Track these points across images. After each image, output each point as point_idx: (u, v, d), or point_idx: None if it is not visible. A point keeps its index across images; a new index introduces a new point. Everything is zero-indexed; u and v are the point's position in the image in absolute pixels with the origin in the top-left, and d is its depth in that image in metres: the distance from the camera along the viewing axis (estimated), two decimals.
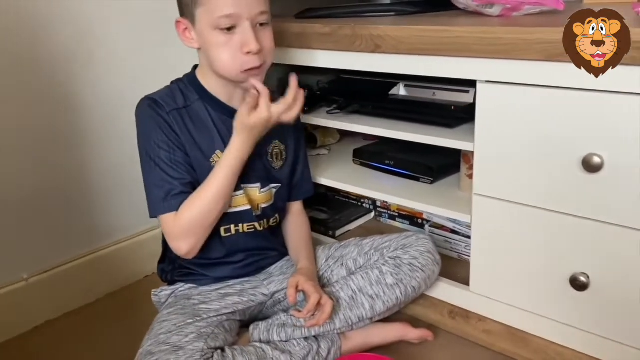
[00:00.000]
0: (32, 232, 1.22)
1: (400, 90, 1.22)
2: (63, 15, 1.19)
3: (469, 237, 1.21)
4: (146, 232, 1.42)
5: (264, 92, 0.91)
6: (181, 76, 1.03)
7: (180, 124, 0.95)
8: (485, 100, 0.94)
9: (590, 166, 0.84)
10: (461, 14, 1.08)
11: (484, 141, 0.97)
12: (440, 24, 0.97)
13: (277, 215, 1.10)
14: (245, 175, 1.00)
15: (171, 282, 1.06)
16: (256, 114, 0.90)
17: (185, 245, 0.94)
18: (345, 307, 1.02)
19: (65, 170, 1.25)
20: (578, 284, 0.91)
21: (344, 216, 1.46)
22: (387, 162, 1.29)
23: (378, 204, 1.49)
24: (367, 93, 1.25)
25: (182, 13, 0.94)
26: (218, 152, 0.97)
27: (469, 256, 1.08)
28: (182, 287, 1.04)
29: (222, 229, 1.01)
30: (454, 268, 1.18)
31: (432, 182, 1.21)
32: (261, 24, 0.92)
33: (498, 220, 0.99)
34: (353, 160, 1.37)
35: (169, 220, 0.94)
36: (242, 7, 0.88)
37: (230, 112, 0.97)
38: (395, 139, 1.12)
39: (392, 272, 1.04)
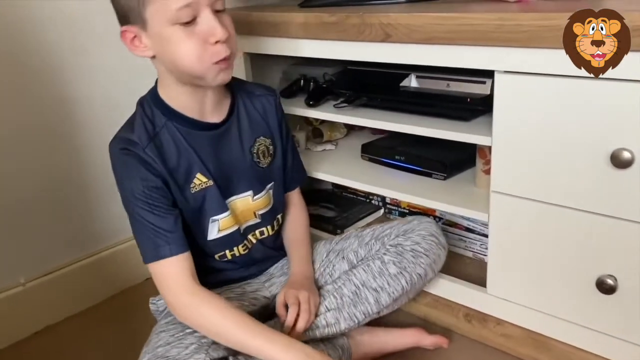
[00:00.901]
0: (30, 236, 1.19)
1: (412, 82, 1.16)
2: (58, 14, 1.14)
3: (484, 235, 1.16)
4: None
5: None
6: (144, 94, 0.94)
7: (157, 157, 0.86)
8: (503, 92, 0.88)
9: (619, 161, 0.79)
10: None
11: (502, 135, 0.91)
12: (455, 10, 0.91)
13: (278, 217, 1.05)
14: (233, 187, 0.95)
15: None
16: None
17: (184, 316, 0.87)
18: (350, 304, 0.97)
19: (63, 173, 1.22)
20: (605, 287, 0.86)
21: (351, 214, 1.41)
22: (397, 157, 1.23)
23: (387, 200, 1.44)
24: (376, 85, 1.19)
25: (127, 21, 0.83)
26: (199, 175, 0.91)
27: (485, 255, 1.03)
28: None
29: (216, 256, 0.97)
30: (469, 268, 1.13)
31: (445, 178, 1.15)
32: (217, 10, 0.83)
33: (518, 219, 0.94)
34: (361, 155, 1.32)
35: (159, 274, 0.87)
36: None
37: (204, 126, 0.91)
38: (406, 133, 1.07)
39: (394, 260, 0.99)
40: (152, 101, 0.91)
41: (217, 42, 0.82)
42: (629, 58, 0.74)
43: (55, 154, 1.19)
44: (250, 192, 0.98)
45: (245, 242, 1.00)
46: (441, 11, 0.91)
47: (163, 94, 0.90)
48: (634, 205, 0.80)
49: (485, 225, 1.00)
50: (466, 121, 1.03)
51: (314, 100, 1.24)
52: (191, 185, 0.91)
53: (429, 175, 1.17)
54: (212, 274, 0.98)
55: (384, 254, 1.00)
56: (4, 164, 1.12)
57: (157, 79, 0.92)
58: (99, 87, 1.23)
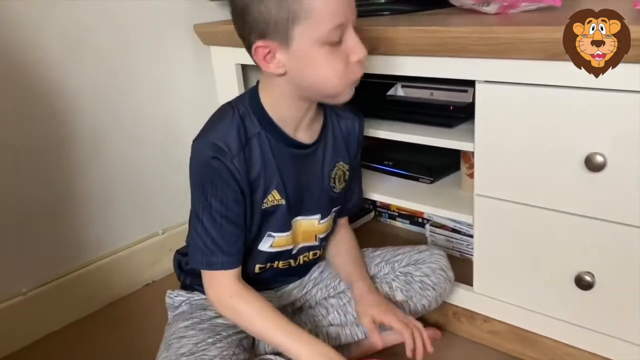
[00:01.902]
0: (30, 245, 1.21)
1: (398, 91, 1.20)
2: (54, 24, 1.17)
3: (470, 235, 1.20)
4: (142, 241, 1.41)
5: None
6: (236, 97, 0.93)
7: (242, 169, 0.85)
8: (484, 100, 0.93)
9: (592, 165, 0.83)
10: (457, 11, 1.07)
11: (484, 141, 0.95)
12: (436, 23, 0.96)
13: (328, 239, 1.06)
14: (303, 208, 0.95)
15: (187, 287, 1.03)
16: None
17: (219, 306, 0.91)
18: (352, 324, 1.00)
19: (59, 182, 1.24)
20: (583, 284, 0.91)
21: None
22: (386, 162, 1.28)
23: (378, 204, 1.49)
24: (364, 94, 1.23)
25: (264, 36, 0.78)
26: (275, 192, 0.90)
27: (471, 255, 1.07)
28: (197, 297, 1.00)
29: (257, 267, 0.98)
30: (457, 268, 1.17)
31: (431, 182, 1.20)
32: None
33: (500, 220, 0.98)
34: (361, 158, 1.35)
35: (208, 279, 0.90)
36: (349, 10, 0.78)
37: (294, 144, 0.90)
38: (393, 139, 1.11)
39: (402, 288, 1.02)
40: (250, 106, 0.88)
41: (358, 60, 0.81)
42: None
43: (52, 164, 1.22)
44: (318, 216, 0.98)
45: (290, 260, 1.00)
46: (423, 24, 0.95)
47: (266, 101, 0.88)
48: (607, 205, 0.85)
49: (471, 226, 1.05)
50: (450, 128, 1.07)
51: None
52: (264, 200, 0.90)
53: (416, 179, 1.22)
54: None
55: (393, 280, 1.03)
56: (3, 176, 1.14)
57: (256, 84, 0.91)
58: (92, 97, 1.25)
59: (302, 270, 1.06)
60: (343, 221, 1.11)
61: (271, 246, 0.95)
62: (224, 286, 0.89)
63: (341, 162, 1.00)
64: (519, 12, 0.99)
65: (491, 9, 1.00)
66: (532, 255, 0.97)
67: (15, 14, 1.10)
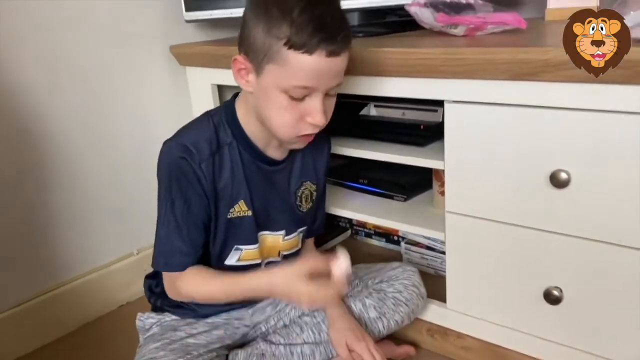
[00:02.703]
0: (4, 266, 1.20)
1: (371, 111, 1.23)
2: (30, 48, 1.17)
3: (444, 253, 1.21)
4: (116, 262, 1.40)
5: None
6: (215, 108, 0.97)
7: (209, 175, 0.87)
8: (453, 120, 0.95)
9: (557, 182, 0.86)
10: (427, 34, 1.10)
11: (453, 159, 0.98)
12: (406, 45, 0.98)
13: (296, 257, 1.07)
14: (268, 223, 0.97)
15: (158, 309, 1.03)
16: (318, 296, 0.82)
17: (179, 299, 0.96)
18: (327, 342, 1.01)
19: (34, 203, 1.23)
20: (552, 298, 0.92)
21: (320, 236, 1.45)
22: (360, 180, 1.29)
23: (354, 222, 1.50)
24: (338, 114, 1.25)
25: (247, 52, 0.82)
26: (241, 202, 0.92)
27: (445, 272, 1.08)
28: (168, 318, 1.01)
29: None
30: (431, 285, 1.18)
31: (405, 200, 1.21)
32: (329, 94, 0.85)
33: (471, 237, 1.00)
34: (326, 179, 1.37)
35: (168, 279, 0.93)
36: (321, 82, 0.80)
37: (265, 159, 0.93)
38: (367, 158, 1.13)
39: (375, 305, 1.04)
40: (225, 117, 0.91)
41: (311, 123, 0.84)
42: (564, 88, 0.81)
43: (23, 185, 1.21)
44: (283, 232, 1.00)
45: None
46: (394, 46, 0.98)
47: (241, 113, 0.91)
48: (572, 221, 0.87)
49: (444, 243, 1.07)
50: (421, 146, 1.09)
51: None
52: (230, 210, 0.92)
53: (390, 197, 1.24)
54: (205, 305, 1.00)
55: (366, 297, 1.05)
56: None
57: (235, 95, 0.94)
58: (66, 117, 1.25)
59: None
60: (310, 243, 1.13)
61: (239, 260, 0.97)
62: (180, 283, 0.91)
63: (308, 182, 1.03)
64: (485, 35, 1.02)
65: (459, 31, 1.03)
66: (502, 271, 0.98)
67: None
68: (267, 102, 0.83)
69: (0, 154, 1.16)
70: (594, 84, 0.78)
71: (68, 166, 1.27)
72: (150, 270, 1.01)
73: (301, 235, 1.05)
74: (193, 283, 0.91)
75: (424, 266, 1.29)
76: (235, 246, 0.95)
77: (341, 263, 0.84)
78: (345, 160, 1.43)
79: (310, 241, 1.14)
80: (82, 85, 1.27)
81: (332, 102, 0.87)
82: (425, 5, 1.04)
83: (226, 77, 1.25)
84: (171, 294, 0.95)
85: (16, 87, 1.16)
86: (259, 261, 0.99)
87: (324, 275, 0.84)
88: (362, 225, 1.48)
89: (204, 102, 1.34)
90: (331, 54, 0.78)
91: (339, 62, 0.81)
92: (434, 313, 1.12)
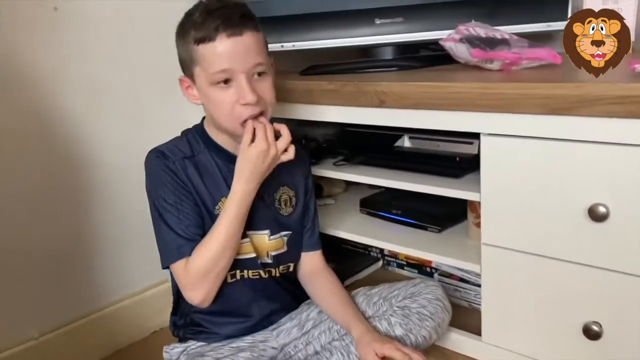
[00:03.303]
0: (42, 291, 1.22)
1: (405, 142, 1.24)
2: (70, 68, 1.22)
3: (478, 285, 1.21)
4: (153, 287, 1.42)
5: (260, 125, 0.92)
6: (190, 127, 1.05)
7: (186, 173, 0.97)
8: (489, 152, 0.96)
9: (596, 215, 0.86)
10: (462, 68, 1.12)
11: (490, 191, 0.98)
12: (442, 79, 1.00)
13: (290, 264, 1.09)
14: (252, 222, 1.01)
15: (183, 339, 1.06)
16: (256, 144, 0.91)
17: (198, 295, 0.96)
18: None
19: (71, 228, 1.26)
20: (591, 333, 0.91)
21: (351, 266, 1.47)
22: (394, 211, 1.30)
23: (386, 252, 1.50)
24: (373, 145, 1.28)
25: (183, 71, 0.97)
26: (223, 199, 0.98)
27: (480, 305, 1.08)
28: (193, 345, 1.03)
29: (227, 275, 1.01)
30: (465, 317, 1.18)
31: (439, 231, 1.22)
32: (259, 74, 0.93)
33: (507, 269, 1.00)
34: (360, 209, 1.38)
35: (180, 270, 0.95)
36: (236, 62, 0.90)
37: (235, 160, 0.98)
38: (401, 188, 1.14)
39: (400, 322, 1.04)
40: (196, 132, 1.03)
41: (245, 104, 0.91)
42: (600, 122, 0.82)
43: (62, 210, 1.24)
44: (267, 232, 1.04)
45: (260, 271, 1.03)
46: (430, 80, 1.00)
47: (208, 127, 1.02)
48: (611, 255, 0.87)
49: (479, 275, 1.06)
50: (456, 178, 1.10)
51: (315, 159, 1.31)
52: (216, 207, 0.98)
53: (424, 228, 1.24)
54: (223, 325, 1.03)
55: (391, 315, 1.05)
56: (15, 220, 1.16)
57: (203, 117, 1.04)
58: (108, 140, 1.29)
59: (277, 293, 1.08)
60: (320, 266, 1.13)
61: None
62: (187, 266, 0.95)
63: (286, 187, 1.09)
64: (521, 69, 1.04)
65: (495, 65, 1.05)
66: (539, 305, 0.97)
67: (38, 66, 1.16)
68: (209, 102, 0.94)
69: (42, 180, 1.20)
70: (631, 118, 0.79)
71: (104, 191, 1.31)
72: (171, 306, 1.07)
73: (286, 239, 1.07)
74: (193, 258, 0.94)
75: (458, 298, 1.28)
76: None
77: None
78: (378, 190, 1.45)
79: (319, 259, 1.14)
80: (118, 111, 1.31)
81: (265, 84, 0.94)
82: (461, 40, 1.06)
83: None
84: (186, 288, 0.96)
85: (61, 113, 1.22)
86: (254, 255, 1.02)
87: None
88: (394, 255, 1.48)
89: None
90: (232, 34, 0.89)
91: (245, 40, 0.90)
92: (468, 346, 1.11)
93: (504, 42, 1.04)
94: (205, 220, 0.98)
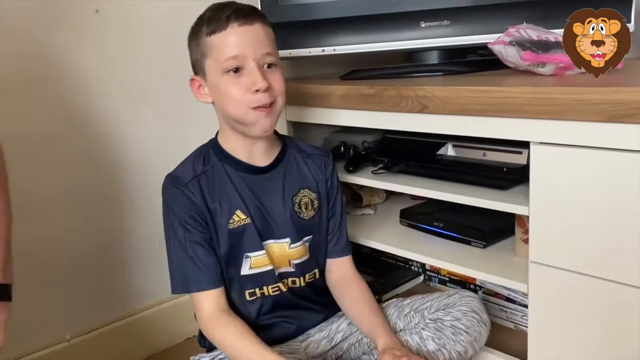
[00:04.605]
0: (76, 293, 1.24)
1: (449, 151, 1.18)
2: (111, 74, 1.23)
3: (526, 306, 1.13)
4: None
5: None
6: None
7: (198, 193, 0.96)
8: (539, 162, 0.89)
9: None
10: (511, 72, 1.05)
11: (539, 205, 0.91)
12: (489, 83, 0.94)
13: (315, 270, 1.06)
14: (270, 231, 0.99)
15: (209, 349, 1.03)
16: None
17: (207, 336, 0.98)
18: None
19: (107, 232, 1.27)
20: None
21: (390, 279, 1.41)
22: (435, 223, 1.24)
23: (427, 267, 1.43)
24: (414, 153, 1.22)
25: (195, 71, 0.98)
26: (238, 212, 0.97)
27: (526, 326, 1.00)
28: (220, 354, 1.00)
29: (247, 293, 1.00)
30: (511, 339, 1.10)
31: (484, 247, 1.14)
32: (269, 66, 0.94)
33: (557, 290, 0.92)
34: (400, 220, 1.33)
35: (196, 304, 0.97)
36: (246, 48, 0.91)
37: (250, 169, 0.99)
38: (444, 200, 1.08)
39: (433, 336, 0.98)
40: (209, 145, 1.02)
41: (257, 90, 0.91)
42: None
43: (99, 214, 1.25)
44: (287, 240, 1.01)
45: (279, 284, 1.01)
46: (476, 84, 0.94)
47: (220, 138, 1.01)
48: None
49: (526, 295, 0.99)
50: (503, 190, 1.03)
51: (353, 166, 1.27)
52: (230, 221, 0.97)
53: (468, 242, 1.17)
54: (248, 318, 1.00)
55: (423, 329, 1.00)
56: (51, 224, 1.18)
57: (218, 131, 1.03)
58: (144, 147, 1.30)
59: (304, 306, 1.05)
60: (349, 273, 1.08)
61: (251, 267, 0.99)
62: (206, 309, 0.95)
63: (307, 190, 1.04)
64: (576, 74, 0.96)
65: (547, 70, 0.98)
66: (592, 330, 0.89)
67: (82, 68, 1.17)
68: (219, 93, 0.94)
69: (81, 181, 1.22)
70: None
71: (143, 195, 1.31)
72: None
73: (308, 244, 1.03)
74: (215, 331, 0.95)
75: (503, 319, 1.20)
76: (245, 254, 0.98)
77: None
78: (420, 200, 1.39)
79: (348, 265, 1.09)
80: (159, 116, 1.31)
81: (276, 74, 0.95)
82: (511, 43, 1.00)
83: (302, 114, 1.26)
84: (202, 323, 0.97)
85: (103, 115, 1.22)
86: (270, 267, 1.00)
87: None
88: (436, 271, 1.41)
89: None
90: (243, 23, 0.90)
91: (256, 29, 0.92)
92: None
93: (557, 45, 0.97)
94: (219, 237, 0.97)
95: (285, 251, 1.01)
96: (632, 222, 0.80)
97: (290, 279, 1.03)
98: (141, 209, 1.31)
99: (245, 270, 0.99)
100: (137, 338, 1.33)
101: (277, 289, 1.01)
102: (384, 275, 1.42)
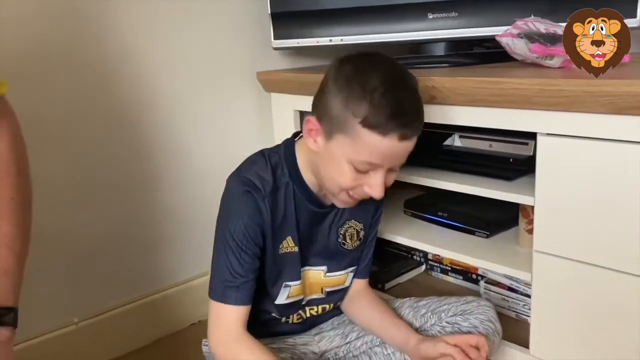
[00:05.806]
0: (85, 277, 1.24)
1: (455, 141, 1.19)
2: (130, 61, 1.24)
3: (527, 295, 1.15)
4: (197, 277, 1.43)
5: None
6: (273, 146, 0.98)
7: (269, 208, 0.89)
8: (546, 153, 0.91)
9: None
10: (519, 65, 1.06)
11: (545, 195, 0.92)
12: (498, 75, 0.95)
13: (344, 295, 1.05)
14: (309, 257, 0.97)
15: None
16: None
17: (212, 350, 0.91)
18: None
19: (117, 217, 1.28)
20: None
21: (393, 268, 1.42)
22: (440, 213, 1.25)
23: (429, 256, 1.45)
24: (420, 143, 1.22)
25: (320, 117, 0.85)
26: (289, 238, 0.93)
27: (528, 316, 1.02)
28: None
29: (271, 316, 0.99)
30: (513, 329, 1.12)
31: (488, 236, 1.16)
32: (390, 169, 0.87)
33: (561, 279, 0.93)
34: (404, 210, 1.34)
35: (213, 312, 0.90)
36: (389, 160, 0.84)
37: (315, 203, 0.94)
38: (449, 190, 1.09)
39: None
40: (284, 157, 0.93)
41: (366, 192, 0.86)
42: None
43: (108, 199, 1.26)
44: (324, 268, 1.00)
45: (301, 312, 1.01)
46: (484, 75, 0.95)
47: (300, 157, 0.93)
48: None
49: (529, 285, 1.00)
50: (509, 180, 1.05)
51: None
52: (280, 246, 0.93)
53: (471, 232, 1.19)
54: (265, 326, 1.00)
55: (439, 331, 1.01)
56: (59, 209, 1.18)
57: (295, 134, 0.96)
58: (162, 133, 1.32)
59: (317, 321, 1.06)
60: (364, 286, 1.07)
61: (288, 297, 0.97)
62: (230, 331, 0.88)
63: (354, 221, 1.01)
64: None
65: (555, 62, 0.99)
66: (594, 319, 0.91)
67: (95, 64, 1.18)
68: (331, 166, 0.85)
69: (94, 170, 1.22)
70: None
71: (153, 183, 1.32)
72: None
73: (351, 275, 1.04)
74: (228, 350, 0.88)
75: (505, 308, 1.22)
76: (284, 283, 0.95)
77: None
78: (424, 191, 1.40)
79: (364, 286, 1.08)
80: (174, 105, 1.32)
81: (393, 176, 0.89)
82: (519, 36, 1.01)
83: (308, 103, 1.26)
84: (215, 339, 0.90)
85: (121, 104, 1.24)
86: (301, 297, 0.98)
87: None
88: (438, 260, 1.43)
89: (286, 127, 1.36)
90: (403, 138, 0.81)
91: (409, 145, 0.84)
92: (514, 358, 1.05)
93: None
94: (266, 260, 0.92)
95: (320, 279, 1.00)
96: (638, 214, 0.82)
97: (320, 307, 1.03)
98: (150, 194, 1.32)
99: (281, 299, 0.96)
100: (145, 322, 1.34)
101: (300, 317, 1.01)
102: (387, 264, 1.43)
